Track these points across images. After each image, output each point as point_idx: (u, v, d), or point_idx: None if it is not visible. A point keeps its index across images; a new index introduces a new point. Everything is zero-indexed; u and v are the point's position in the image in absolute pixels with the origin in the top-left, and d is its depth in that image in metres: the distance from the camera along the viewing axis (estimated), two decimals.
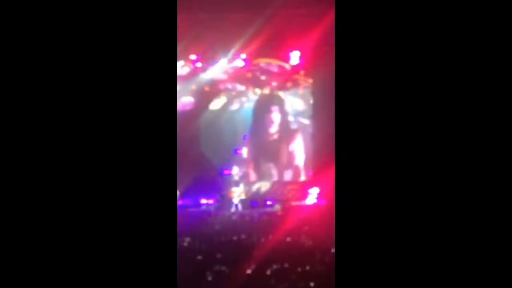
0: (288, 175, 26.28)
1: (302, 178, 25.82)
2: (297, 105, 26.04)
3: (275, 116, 26.15)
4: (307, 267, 10.14)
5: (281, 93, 26.09)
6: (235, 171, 25.71)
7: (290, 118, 26.13)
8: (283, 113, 26.05)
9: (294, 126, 26.12)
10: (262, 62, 25.75)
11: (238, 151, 25.49)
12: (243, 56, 25.53)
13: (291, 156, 26.17)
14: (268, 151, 26.27)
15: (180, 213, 21.54)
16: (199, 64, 25.52)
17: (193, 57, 25.43)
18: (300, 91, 25.89)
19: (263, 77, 26.00)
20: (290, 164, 26.23)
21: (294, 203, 24.61)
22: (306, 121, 25.57)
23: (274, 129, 26.24)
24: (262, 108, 26.38)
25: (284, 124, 26.18)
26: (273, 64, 25.75)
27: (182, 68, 25.33)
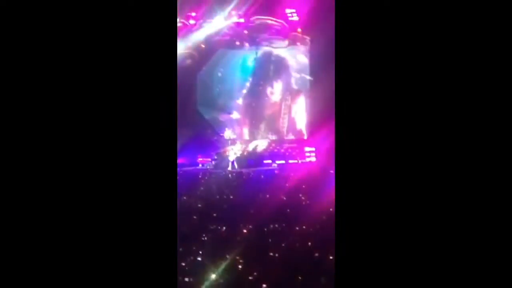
0: (285, 134, 26.26)
1: (300, 136, 25.81)
2: (296, 63, 25.87)
3: (275, 75, 26.06)
4: (304, 226, 10.06)
5: (280, 51, 25.92)
6: (228, 133, 25.69)
7: (291, 76, 26.02)
8: (283, 72, 25.92)
9: (293, 85, 26.01)
10: (259, 19, 25.52)
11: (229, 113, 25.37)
12: (240, 13, 25.31)
13: (289, 115, 26.12)
14: (266, 111, 26.20)
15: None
16: (193, 21, 25.29)
17: (189, 14, 25.20)
18: (299, 48, 25.70)
19: (260, 35, 25.80)
20: (288, 123, 26.20)
21: (291, 162, 24.64)
22: (306, 78, 25.42)
23: (274, 88, 26.16)
24: (262, 67, 26.23)
25: (283, 83, 26.08)
26: (270, 22, 25.52)
27: (178, 25, 25.11)
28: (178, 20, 24.76)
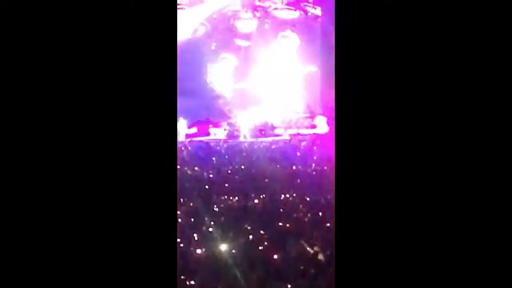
0: (296, 105, 26.24)
1: (310, 107, 25.80)
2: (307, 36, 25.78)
3: (285, 47, 26.01)
4: (316, 197, 10.09)
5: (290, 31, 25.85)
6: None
7: (300, 50, 25.95)
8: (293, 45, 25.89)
9: (303, 56, 25.94)
10: None
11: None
12: None
13: (300, 86, 26.10)
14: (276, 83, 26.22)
15: (188, 142, 21.67)
16: None
17: None
18: (309, 21, 25.59)
19: (271, 5, 25.69)
20: (299, 94, 26.19)
21: (302, 132, 24.64)
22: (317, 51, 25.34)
23: (284, 59, 26.13)
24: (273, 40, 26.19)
25: (295, 54, 26.05)
26: None
27: None
28: None
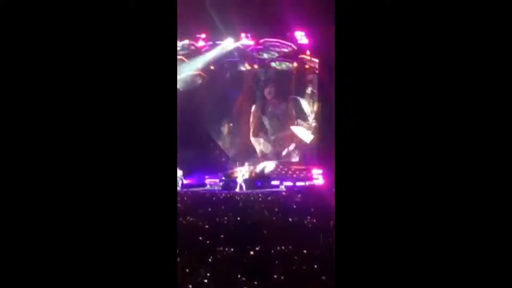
0: (293, 157, 26.32)
1: (307, 159, 25.87)
2: (304, 88, 26.05)
3: (283, 102, 26.29)
4: (311, 249, 10.03)
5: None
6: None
7: (300, 101, 26.18)
8: (291, 97, 26.13)
9: (301, 108, 26.14)
10: (268, 41, 25.67)
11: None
12: (249, 35, 25.48)
13: (297, 138, 26.23)
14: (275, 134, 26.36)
15: (184, 192, 21.61)
16: (202, 43, 25.49)
17: (198, 35, 25.38)
18: (307, 71, 25.86)
19: (269, 56, 25.95)
20: (295, 145, 26.30)
21: (298, 184, 24.64)
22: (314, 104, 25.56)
23: (283, 113, 26.35)
24: (271, 93, 26.44)
25: (292, 107, 26.24)
26: (279, 44, 25.67)
27: (188, 46, 25.30)
28: (188, 42, 25.01)
